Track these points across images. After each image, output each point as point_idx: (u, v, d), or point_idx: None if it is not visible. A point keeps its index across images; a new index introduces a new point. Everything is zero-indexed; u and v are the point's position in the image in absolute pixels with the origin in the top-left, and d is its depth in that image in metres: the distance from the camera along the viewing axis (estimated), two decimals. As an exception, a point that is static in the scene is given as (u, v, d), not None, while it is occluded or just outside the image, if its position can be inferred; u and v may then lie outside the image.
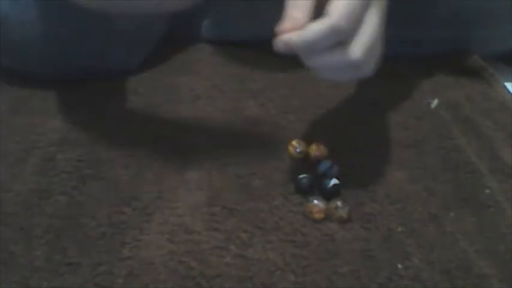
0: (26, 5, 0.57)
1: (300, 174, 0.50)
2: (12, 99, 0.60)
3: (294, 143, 0.54)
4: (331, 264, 0.44)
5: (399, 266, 0.44)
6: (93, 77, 0.63)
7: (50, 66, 0.61)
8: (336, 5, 0.43)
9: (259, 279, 0.42)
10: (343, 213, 0.47)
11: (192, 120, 0.58)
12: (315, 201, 0.48)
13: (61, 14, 0.58)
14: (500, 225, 0.48)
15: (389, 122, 0.60)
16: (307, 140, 0.55)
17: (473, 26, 0.68)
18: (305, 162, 0.53)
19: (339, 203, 0.48)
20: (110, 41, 0.62)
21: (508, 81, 0.69)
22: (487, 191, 0.51)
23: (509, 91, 0.67)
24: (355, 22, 0.43)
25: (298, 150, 0.54)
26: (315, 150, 0.54)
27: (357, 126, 0.59)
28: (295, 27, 0.44)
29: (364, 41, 0.44)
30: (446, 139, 0.58)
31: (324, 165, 0.51)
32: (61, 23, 0.58)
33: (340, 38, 0.43)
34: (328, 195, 0.49)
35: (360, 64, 0.44)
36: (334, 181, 0.49)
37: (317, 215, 0.47)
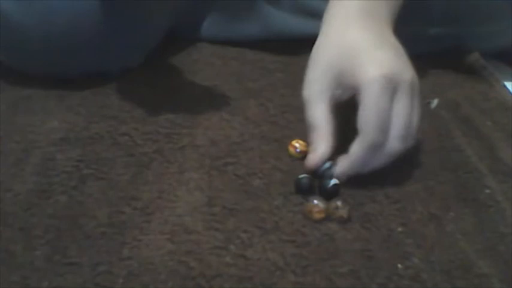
0: (28, 4, 0.57)
1: (300, 174, 0.50)
2: (12, 99, 0.60)
3: (294, 143, 0.54)
4: (331, 264, 0.44)
5: (399, 266, 0.44)
6: (93, 77, 0.63)
7: (49, 65, 0.61)
8: (365, 119, 0.47)
9: (259, 279, 0.42)
10: (343, 213, 0.47)
11: (192, 120, 0.58)
12: (315, 201, 0.48)
13: (61, 14, 0.58)
14: (500, 225, 0.48)
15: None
16: (307, 140, 0.55)
17: (471, 21, 0.68)
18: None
19: (339, 203, 0.48)
20: (111, 42, 0.62)
21: (508, 80, 0.69)
22: (487, 191, 0.51)
23: (509, 91, 0.67)
24: (386, 129, 0.48)
25: (298, 150, 0.54)
26: (315, 150, 0.54)
27: (357, 126, 0.59)
28: (322, 160, 0.50)
29: (398, 134, 0.48)
30: (446, 139, 0.58)
31: (324, 166, 0.51)
32: (61, 24, 0.58)
33: (378, 146, 0.48)
34: (328, 195, 0.49)
35: (400, 151, 0.49)
36: (334, 181, 0.49)
37: (317, 215, 0.47)
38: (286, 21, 0.71)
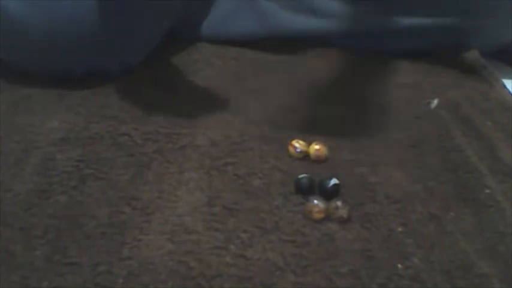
0: (30, 2, 0.57)
1: (300, 174, 0.50)
2: (12, 99, 0.60)
3: (294, 143, 0.54)
4: (331, 264, 0.44)
5: (399, 266, 0.44)
6: (93, 77, 0.63)
7: (50, 64, 0.61)
8: None
9: (259, 279, 0.42)
10: (343, 213, 0.47)
11: (192, 120, 0.58)
12: (315, 201, 0.48)
13: (62, 13, 0.58)
14: (500, 225, 0.48)
15: (389, 122, 0.60)
16: (307, 140, 0.55)
17: (471, 14, 0.68)
18: (305, 162, 0.53)
19: (339, 203, 0.48)
20: (111, 41, 0.62)
21: (507, 78, 0.69)
22: (487, 191, 0.51)
23: (509, 91, 0.67)
24: None
25: (298, 150, 0.54)
26: (315, 150, 0.54)
27: (357, 126, 0.59)
28: None
29: None
30: (446, 139, 0.58)
31: (331, 181, 0.50)
32: (62, 23, 0.58)
33: None
34: (328, 195, 0.49)
35: None
36: (334, 181, 0.49)
37: (317, 215, 0.47)
38: (286, 20, 0.71)
